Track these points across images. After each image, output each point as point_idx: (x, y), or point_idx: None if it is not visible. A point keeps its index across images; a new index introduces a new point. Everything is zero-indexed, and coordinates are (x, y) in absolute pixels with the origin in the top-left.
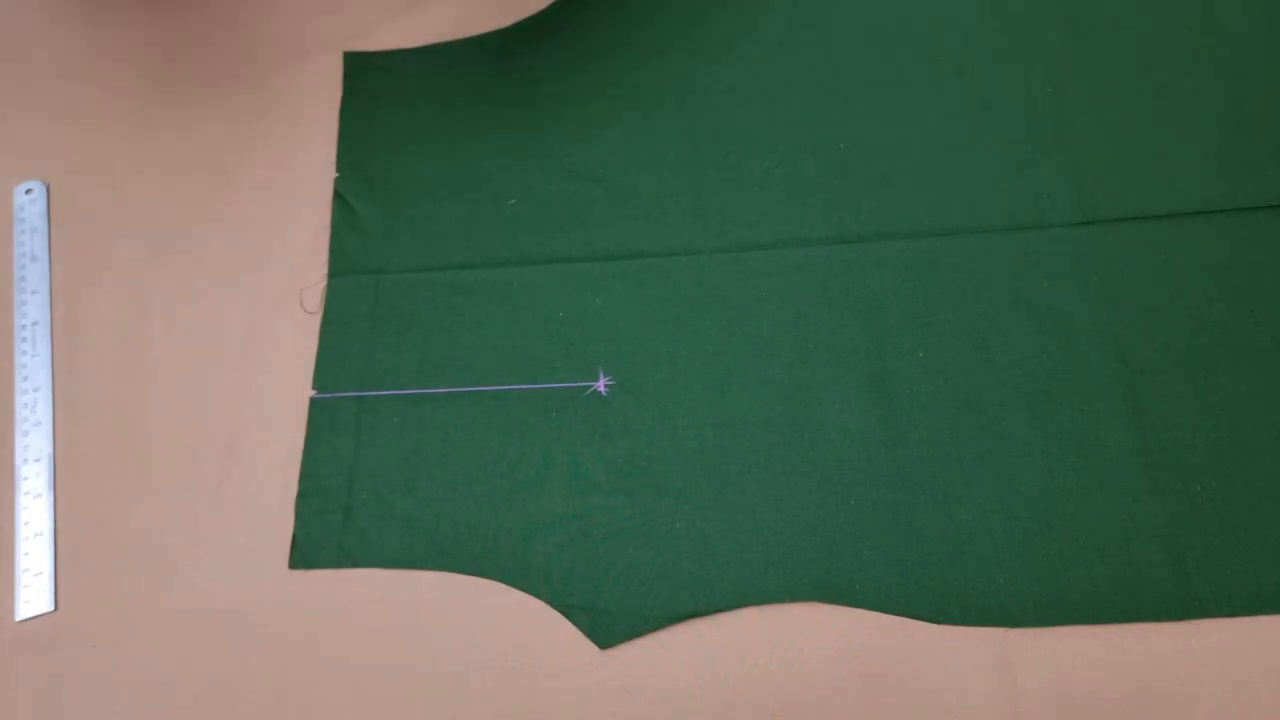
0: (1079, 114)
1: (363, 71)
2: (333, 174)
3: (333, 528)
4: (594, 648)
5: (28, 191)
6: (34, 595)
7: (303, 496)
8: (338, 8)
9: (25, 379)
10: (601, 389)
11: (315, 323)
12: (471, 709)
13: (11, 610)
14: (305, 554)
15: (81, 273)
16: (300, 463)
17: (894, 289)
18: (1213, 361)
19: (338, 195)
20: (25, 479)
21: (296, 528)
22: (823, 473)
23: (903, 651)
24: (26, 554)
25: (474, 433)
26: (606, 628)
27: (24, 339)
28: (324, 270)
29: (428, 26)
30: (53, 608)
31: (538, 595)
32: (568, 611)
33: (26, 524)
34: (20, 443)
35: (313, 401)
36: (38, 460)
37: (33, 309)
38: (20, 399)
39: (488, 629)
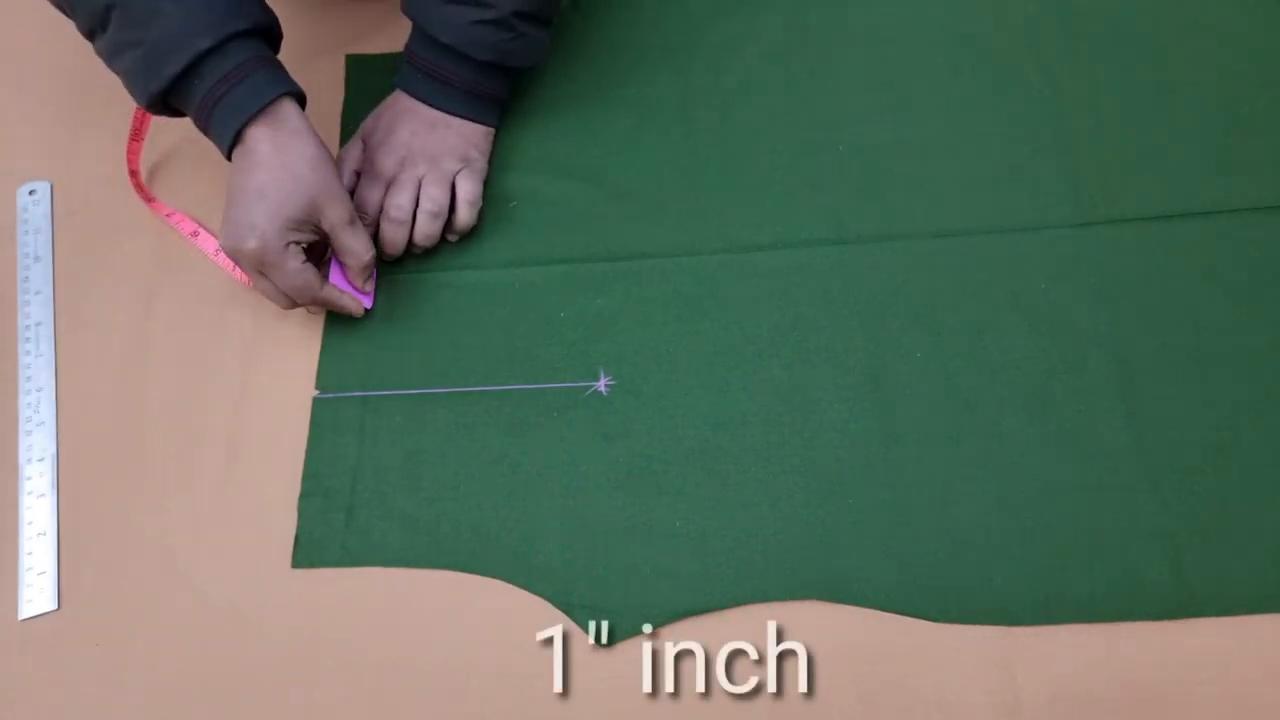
0: (1077, 116)
1: (365, 74)
2: None
3: (335, 527)
4: (594, 645)
5: (31, 192)
6: (37, 594)
7: (305, 496)
8: (339, 11)
9: (29, 379)
10: (602, 389)
11: (318, 323)
12: (472, 708)
13: (15, 609)
14: (308, 553)
15: (85, 273)
16: (303, 462)
17: (892, 290)
18: (1210, 362)
19: None
20: (29, 479)
21: (299, 527)
22: (822, 472)
23: (901, 650)
24: (30, 553)
25: (476, 432)
26: (606, 625)
27: (28, 339)
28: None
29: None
30: (56, 607)
31: (539, 593)
32: (569, 610)
33: (30, 523)
34: (24, 442)
35: (316, 401)
36: (41, 460)
37: (36, 309)
38: (24, 399)
39: (489, 627)
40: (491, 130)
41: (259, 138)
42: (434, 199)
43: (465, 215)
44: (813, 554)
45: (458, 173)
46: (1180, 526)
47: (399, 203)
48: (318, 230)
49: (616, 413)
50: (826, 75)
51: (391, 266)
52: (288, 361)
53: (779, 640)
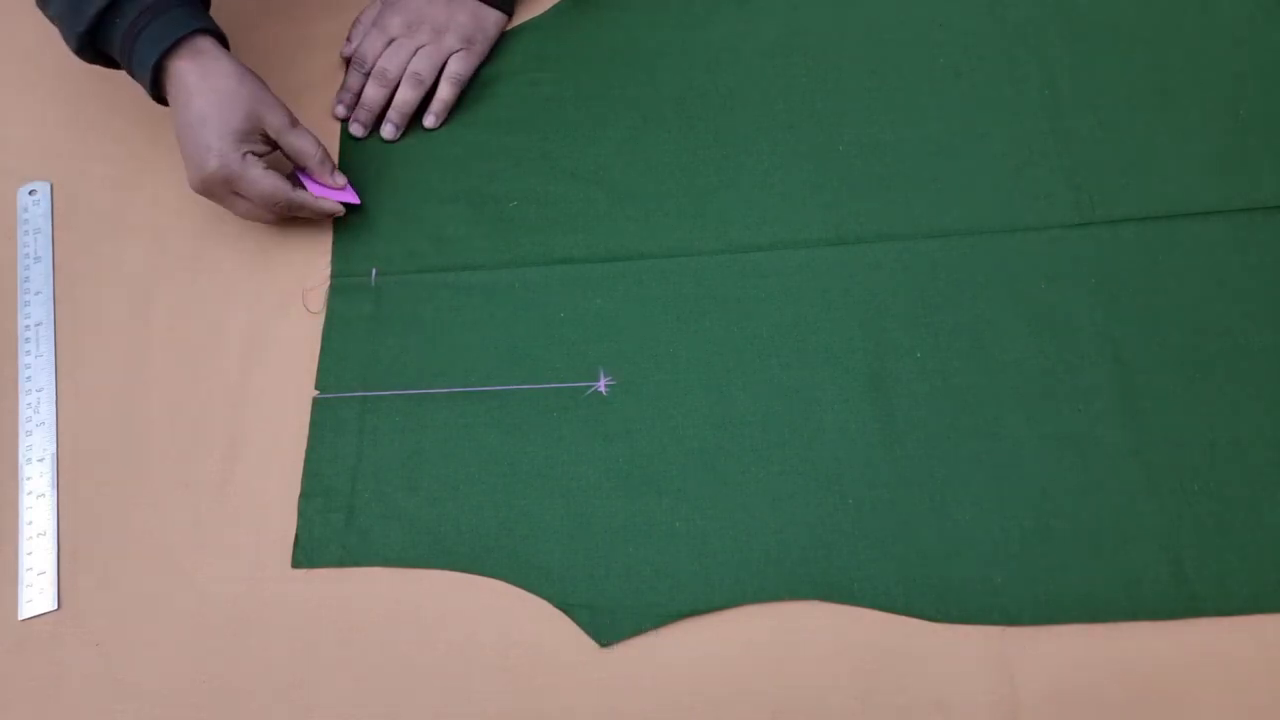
0: (1077, 116)
1: None
2: None
3: (335, 527)
4: (594, 645)
5: (31, 193)
6: (37, 594)
7: (305, 496)
8: (338, 9)
9: (29, 379)
10: (602, 389)
11: (318, 323)
12: (472, 707)
13: (15, 609)
14: (308, 553)
15: (85, 274)
16: (303, 462)
17: (892, 290)
18: (1209, 361)
19: None
20: (28, 479)
21: (299, 527)
22: (821, 472)
23: (901, 649)
24: (30, 553)
25: (475, 432)
26: (607, 625)
27: (27, 339)
28: (327, 271)
29: None
30: (56, 607)
31: (539, 593)
32: (568, 609)
33: (30, 523)
34: (24, 442)
35: (315, 401)
36: (41, 460)
37: (36, 310)
38: (24, 399)
39: (489, 627)
40: (505, 19)
41: (183, 70)
42: (419, 69)
43: (445, 91)
44: (813, 554)
45: (456, 52)
46: (1180, 526)
47: (387, 65)
48: (266, 139)
49: (616, 413)
50: (826, 75)
51: (390, 267)
52: (288, 361)
53: (778, 640)
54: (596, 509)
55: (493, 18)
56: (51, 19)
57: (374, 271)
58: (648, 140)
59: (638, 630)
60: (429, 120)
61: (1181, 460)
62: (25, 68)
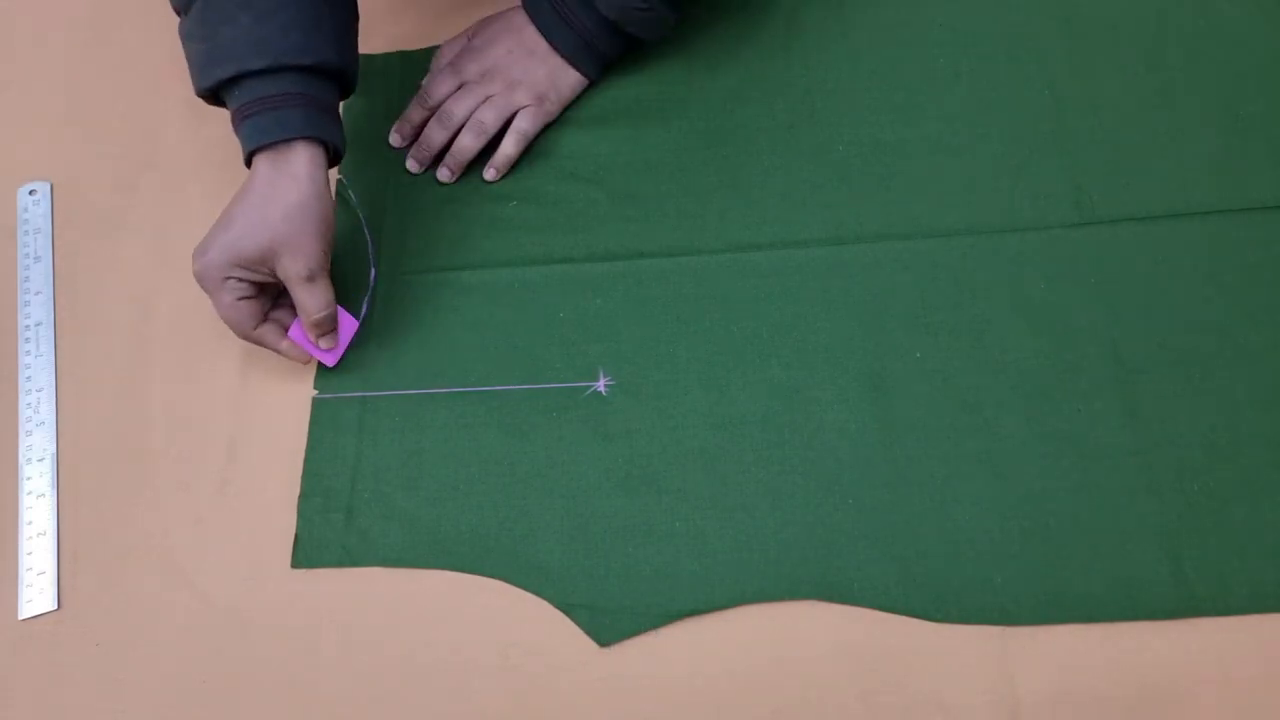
0: (1076, 116)
1: (365, 74)
2: (335, 175)
3: (335, 527)
4: (594, 645)
5: (31, 192)
6: (37, 594)
7: (305, 496)
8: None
9: (29, 379)
10: (601, 389)
11: None
12: (472, 707)
13: (15, 609)
14: (308, 553)
15: (85, 273)
16: (303, 462)
17: (892, 290)
18: (1209, 361)
19: (340, 196)
20: (29, 479)
21: (299, 527)
22: (821, 472)
23: (900, 649)
24: (30, 553)
25: (475, 433)
26: (606, 625)
27: (27, 339)
28: None
29: (429, 29)
30: (56, 607)
31: (538, 593)
32: (568, 609)
33: (30, 523)
34: (24, 442)
35: (315, 401)
36: (41, 460)
37: (36, 309)
38: (24, 399)
39: (489, 627)
40: (585, 82)
41: (259, 170)
42: (482, 120)
43: (509, 146)
44: (813, 554)
45: (524, 108)
46: (1180, 526)
47: (453, 110)
48: (273, 274)
49: (616, 413)
50: (826, 75)
51: (390, 267)
52: (287, 361)
53: (778, 640)
54: (596, 509)
55: (571, 79)
56: (186, 54)
57: (373, 271)
58: (648, 140)
59: (638, 630)
60: (489, 174)
61: (1181, 460)
62: (25, 67)
